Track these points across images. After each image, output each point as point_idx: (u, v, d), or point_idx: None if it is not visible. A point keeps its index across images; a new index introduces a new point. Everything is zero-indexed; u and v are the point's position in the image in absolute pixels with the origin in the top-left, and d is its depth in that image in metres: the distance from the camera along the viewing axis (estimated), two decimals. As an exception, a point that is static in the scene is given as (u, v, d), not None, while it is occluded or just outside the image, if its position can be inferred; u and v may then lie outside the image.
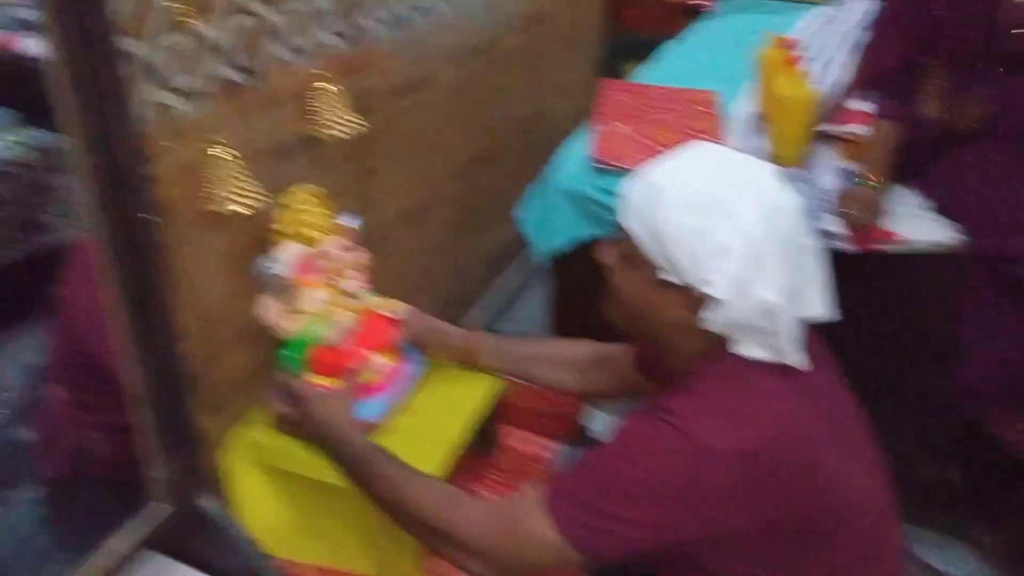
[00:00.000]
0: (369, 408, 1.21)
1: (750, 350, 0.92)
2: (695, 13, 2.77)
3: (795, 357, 0.92)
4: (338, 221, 1.26)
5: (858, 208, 1.44)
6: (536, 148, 2.31)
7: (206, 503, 0.76)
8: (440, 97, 1.75)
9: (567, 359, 1.31)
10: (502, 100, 2.11)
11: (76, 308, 1.18)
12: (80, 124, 0.66)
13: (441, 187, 1.84)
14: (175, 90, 1.04)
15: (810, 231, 0.94)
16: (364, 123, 1.30)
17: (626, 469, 0.88)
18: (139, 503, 0.73)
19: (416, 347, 1.33)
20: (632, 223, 0.93)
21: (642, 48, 2.50)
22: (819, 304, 0.94)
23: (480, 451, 1.45)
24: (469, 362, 1.33)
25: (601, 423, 1.57)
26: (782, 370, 0.93)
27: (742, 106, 1.88)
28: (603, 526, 0.88)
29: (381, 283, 1.61)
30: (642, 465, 0.88)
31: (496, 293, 2.26)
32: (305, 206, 1.19)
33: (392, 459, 1.07)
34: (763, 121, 1.76)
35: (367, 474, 1.07)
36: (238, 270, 1.18)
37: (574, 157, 1.63)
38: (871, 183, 1.47)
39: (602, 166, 1.57)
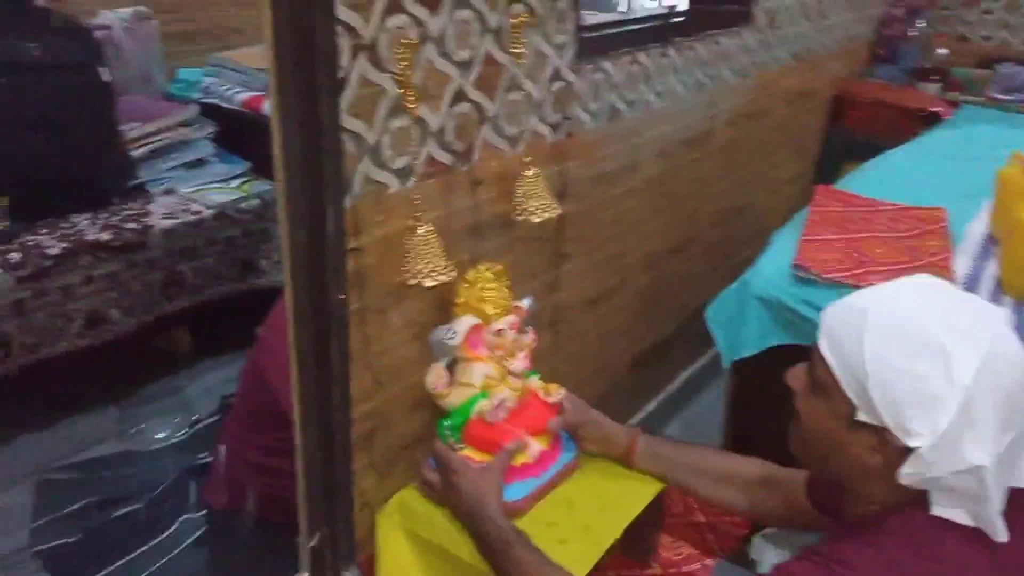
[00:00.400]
0: (515, 489, 1.20)
1: (947, 512, 0.82)
2: (929, 120, 2.59)
3: (997, 530, 0.81)
4: (514, 302, 1.27)
5: None
6: (734, 243, 2.25)
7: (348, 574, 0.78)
8: (642, 186, 1.75)
9: (732, 474, 1.23)
10: (706, 192, 2.08)
11: (271, 353, 1.28)
12: (290, 194, 0.71)
13: (629, 275, 1.83)
14: (392, 169, 1.11)
15: None
16: (559, 208, 1.32)
17: None
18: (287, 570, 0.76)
19: (573, 437, 1.31)
20: (830, 351, 0.86)
21: (864, 150, 2.37)
22: None
23: (632, 556, 1.39)
24: (625, 461, 1.29)
25: (767, 554, 1.45)
26: (978, 536, 0.81)
27: (975, 227, 1.72)
28: None
29: (556, 365, 1.63)
30: None
31: (674, 389, 2.19)
32: (486, 283, 1.21)
33: (532, 546, 1.06)
34: (996, 245, 1.59)
35: (504, 555, 1.06)
36: (417, 339, 1.22)
37: (775, 261, 1.56)
38: None
39: (803, 274, 1.49)
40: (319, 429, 0.75)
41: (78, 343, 1.87)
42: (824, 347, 0.87)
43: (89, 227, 1.92)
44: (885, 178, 2.02)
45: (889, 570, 0.80)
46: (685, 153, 1.91)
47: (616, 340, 1.86)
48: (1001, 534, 0.81)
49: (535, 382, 1.31)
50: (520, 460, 1.23)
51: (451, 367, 1.24)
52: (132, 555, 1.50)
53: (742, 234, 2.31)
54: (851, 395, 0.84)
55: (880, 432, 0.82)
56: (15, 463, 1.77)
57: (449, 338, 1.19)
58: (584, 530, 1.21)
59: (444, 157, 1.19)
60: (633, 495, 1.28)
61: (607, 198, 1.63)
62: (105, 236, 1.89)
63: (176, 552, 1.49)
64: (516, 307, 1.27)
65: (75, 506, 1.64)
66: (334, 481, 0.74)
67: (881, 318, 0.82)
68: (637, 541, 1.33)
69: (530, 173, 1.30)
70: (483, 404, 1.21)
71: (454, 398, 1.23)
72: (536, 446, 1.26)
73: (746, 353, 1.52)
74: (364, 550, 1.24)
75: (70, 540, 1.54)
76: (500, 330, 1.23)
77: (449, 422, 1.23)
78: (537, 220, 1.30)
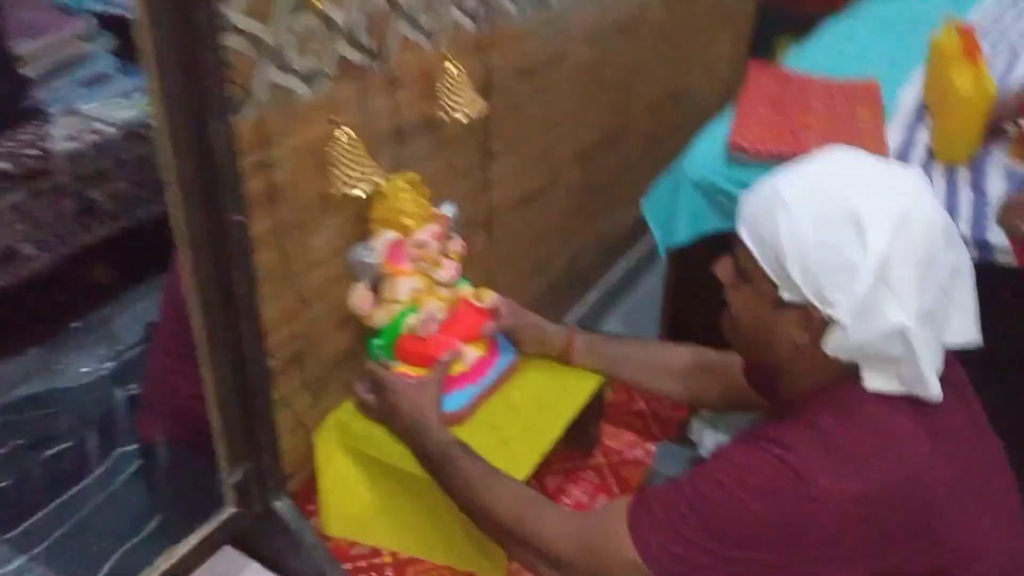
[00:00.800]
0: (454, 399, 1.18)
1: (878, 381, 0.82)
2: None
3: (930, 390, 0.81)
4: (434, 209, 1.22)
5: None
6: (671, 130, 2.20)
7: (279, 506, 0.75)
8: (570, 76, 1.67)
9: (669, 365, 1.24)
10: (639, 79, 2.01)
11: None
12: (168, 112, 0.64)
13: (562, 170, 1.77)
14: (299, 74, 1.02)
15: (956, 246, 0.82)
16: (484, 105, 1.25)
17: (723, 501, 0.81)
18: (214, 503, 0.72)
19: (510, 340, 1.29)
20: (749, 234, 0.85)
21: (799, 24, 2.32)
22: (963, 329, 0.84)
23: (578, 450, 1.40)
24: (564, 359, 1.28)
25: (705, 435, 1.48)
26: (914, 406, 0.82)
27: (907, 96, 1.70)
28: (690, 557, 0.82)
29: (492, 268, 1.58)
30: (742, 500, 0.80)
31: (610, 281, 2.17)
32: (401, 194, 1.15)
33: (474, 456, 1.05)
34: (928, 114, 1.58)
35: (445, 469, 1.05)
36: (342, 254, 1.16)
37: (709, 144, 1.52)
38: None
39: (738, 154, 1.45)
40: (229, 362, 0.70)
41: (-11, 281, 1.76)
42: (743, 233, 0.86)
43: (-13, 156, 1.77)
44: (819, 53, 1.98)
45: (824, 445, 0.80)
46: (616, 39, 1.82)
47: (552, 238, 1.82)
48: (934, 392, 0.81)
49: (466, 289, 1.28)
50: (458, 369, 1.21)
51: (376, 285, 1.19)
52: (68, 495, 1.46)
53: (679, 121, 2.25)
54: (772, 276, 0.83)
55: (804, 309, 0.82)
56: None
57: (367, 256, 1.13)
58: (527, 430, 1.21)
59: (356, 57, 1.10)
60: (574, 391, 1.28)
61: (534, 91, 1.55)
62: (1, 164, 1.75)
63: (113, 488, 1.45)
64: (438, 215, 1.21)
65: (2, 450, 1.58)
66: (252, 414, 0.70)
67: (794, 193, 0.81)
68: (580, 434, 1.34)
69: (452, 69, 1.22)
70: (412, 319, 1.17)
71: (382, 316, 1.18)
72: (472, 353, 1.23)
73: (681, 240, 1.50)
74: (305, 470, 1.23)
75: (1, 485, 1.48)
76: (422, 241, 1.17)
77: (380, 341, 1.19)
78: (462, 119, 1.23)
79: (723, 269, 0.91)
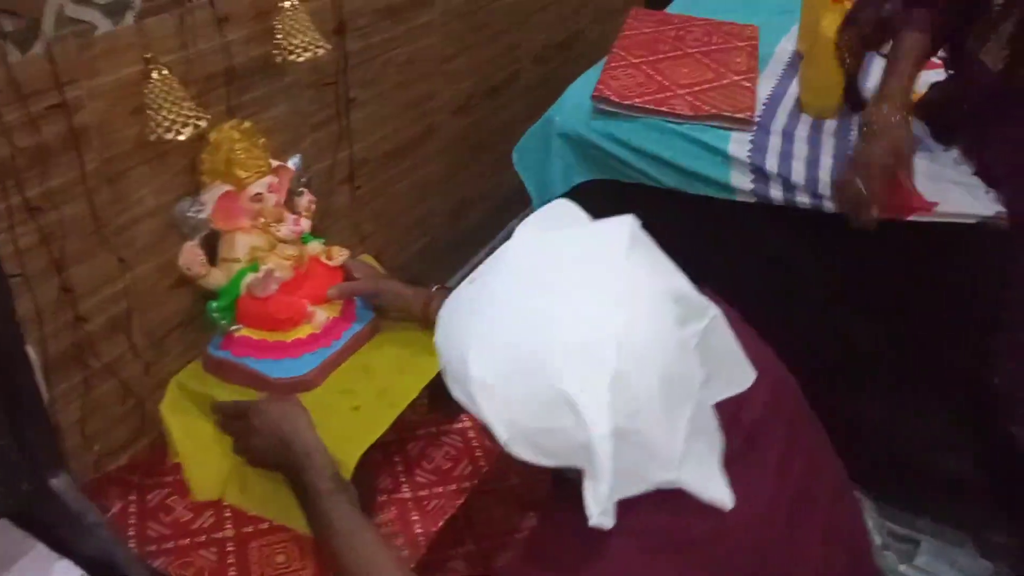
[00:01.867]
0: (303, 362, 1.12)
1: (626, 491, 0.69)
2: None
3: (718, 494, 0.72)
4: (275, 161, 1.14)
5: (863, 178, 1.19)
6: (562, 81, 2.13)
7: (56, 484, 0.68)
8: (443, 20, 1.59)
9: None
10: (525, 25, 1.93)
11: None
12: None
13: (438, 121, 1.70)
14: (98, 5, 0.93)
15: (693, 316, 0.71)
16: (326, 45, 1.16)
17: None
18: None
19: (369, 305, 1.23)
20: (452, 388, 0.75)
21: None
22: (739, 377, 0.75)
23: (444, 414, 1.36)
24: (425, 323, 1.22)
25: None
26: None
27: (783, 45, 1.67)
28: None
29: (360, 223, 1.51)
30: None
31: (500, 241, 2.11)
32: (233, 144, 1.07)
33: (348, 507, 0.96)
34: (801, 63, 1.55)
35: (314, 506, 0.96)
36: (168, 210, 1.08)
37: (578, 95, 1.47)
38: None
39: (601, 105, 1.40)
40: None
41: None
42: (455, 391, 0.75)
43: None
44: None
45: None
46: (493, -21, 1.74)
47: (431, 192, 1.74)
48: (722, 496, 0.72)
49: (316, 246, 1.21)
50: (307, 331, 1.15)
51: (211, 243, 1.11)
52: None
53: (570, 71, 2.17)
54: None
55: None
56: None
57: (196, 211, 1.05)
58: (380, 394, 1.15)
59: (168, -11, 1.00)
60: (433, 354, 1.22)
61: (398, 34, 1.46)
62: None
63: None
64: (278, 167, 1.13)
65: None
66: (6, 384, 0.63)
67: (488, 365, 0.69)
68: (445, 398, 1.29)
69: (287, 5, 1.13)
70: (250, 278, 1.10)
71: (219, 277, 1.11)
72: (322, 314, 1.17)
73: (554, 194, 1.45)
74: (140, 441, 1.15)
75: None
76: (258, 195, 1.09)
77: (217, 304, 1.12)
78: (300, 60, 1.14)
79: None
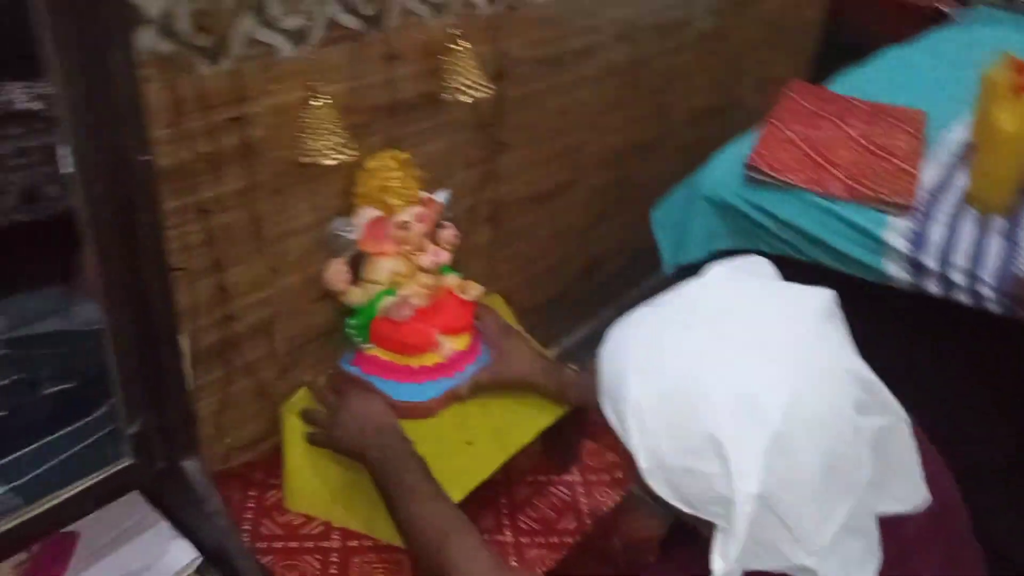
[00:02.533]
0: (424, 389, 1.15)
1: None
2: (936, 20, 2.41)
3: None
4: (424, 193, 1.18)
5: None
6: (712, 145, 2.11)
7: (188, 466, 0.72)
8: (599, 74, 1.62)
9: None
10: (681, 87, 1.94)
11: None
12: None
13: (585, 172, 1.71)
14: (283, 30, 1.00)
15: (875, 407, 0.67)
16: (490, 88, 1.20)
17: None
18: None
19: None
20: (611, 415, 0.73)
21: (864, 50, 2.21)
22: (905, 495, 0.70)
23: (554, 465, 1.34)
24: (559, 403, 1.20)
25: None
26: None
27: (954, 134, 1.59)
28: None
29: (496, 263, 1.54)
30: None
31: (633, 299, 2.08)
32: (387, 172, 1.12)
33: (421, 470, 0.99)
34: (972, 155, 1.48)
35: (391, 477, 0.99)
36: (323, 226, 1.13)
37: (728, 160, 1.45)
38: None
39: (755, 175, 1.38)
40: (128, 303, 0.68)
41: (14, 218, 1.79)
42: (606, 409, 0.73)
43: (20, 96, 1.80)
44: (871, 78, 1.88)
45: None
46: (656, 41, 1.76)
47: (567, 242, 1.76)
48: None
49: (452, 279, 1.24)
50: (433, 360, 1.18)
51: (355, 263, 1.16)
52: (51, 437, 1.46)
53: (722, 136, 2.16)
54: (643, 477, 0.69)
55: None
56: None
57: (347, 231, 1.10)
58: (495, 433, 1.16)
59: (349, 21, 1.07)
60: (551, 404, 1.22)
61: (556, 84, 1.50)
62: (36, 106, 1.78)
63: (95, 438, 1.45)
64: (427, 199, 1.18)
65: (4, 382, 1.59)
66: (155, 364, 0.68)
67: (646, 393, 0.67)
68: (558, 448, 1.29)
69: (458, 47, 1.18)
70: (388, 301, 1.14)
71: (358, 296, 1.15)
72: (449, 345, 1.19)
73: (690, 259, 1.43)
74: (268, 441, 1.21)
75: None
76: (405, 223, 1.14)
77: (355, 320, 1.16)
78: (464, 99, 1.19)
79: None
